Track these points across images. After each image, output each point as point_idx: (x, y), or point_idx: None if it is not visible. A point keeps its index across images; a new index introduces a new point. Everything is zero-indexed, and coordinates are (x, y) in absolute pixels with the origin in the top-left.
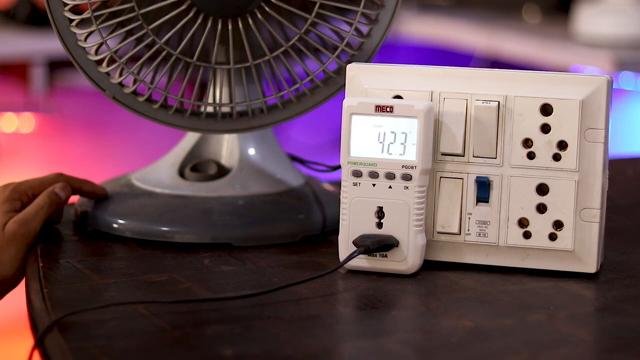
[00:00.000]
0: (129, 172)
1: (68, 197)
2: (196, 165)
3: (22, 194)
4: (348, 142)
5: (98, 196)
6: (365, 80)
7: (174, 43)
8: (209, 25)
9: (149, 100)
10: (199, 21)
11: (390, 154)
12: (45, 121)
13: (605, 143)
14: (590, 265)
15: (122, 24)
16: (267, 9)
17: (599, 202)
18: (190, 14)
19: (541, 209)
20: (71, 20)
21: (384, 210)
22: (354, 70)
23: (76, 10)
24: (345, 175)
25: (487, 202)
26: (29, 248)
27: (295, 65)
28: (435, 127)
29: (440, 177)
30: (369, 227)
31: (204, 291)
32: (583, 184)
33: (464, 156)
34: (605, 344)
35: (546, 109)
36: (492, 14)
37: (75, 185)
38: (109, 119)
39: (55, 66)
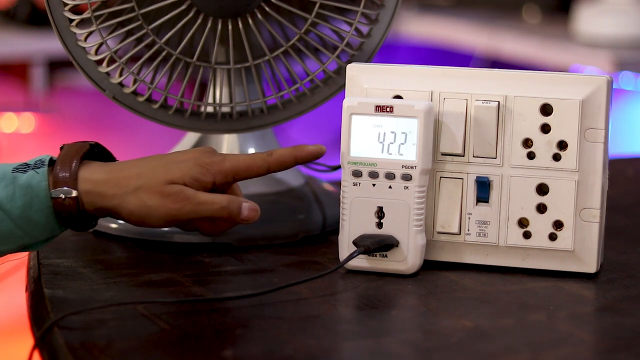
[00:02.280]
0: None
1: (247, 221)
2: None
3: (219, 174)
4: (348, 142)
5: (317, 156)
6: (365, 80)
7: (174, 43)
8: (209, 25)
9: (149, 100)
10: (199, 21)
11: (390, 154)
12: (45, 121)
13: (605, 143)
14: (590, 265)
15: (122, 24)
16: (267, 9)
17: (599, 202)
18: (190, 14)
19: (541, 209)
20: (71, 20)
21: (384, 210)
22: (354, 70)
23: (76, 10)
24: (345, 175)
25: (487, 202)
26: (174, 220)
27: (295, 65)
28: (435, 127)
29: (440, 177)
30: (369, 227)
31: (204, 291)
32: (583, 184)
33: (464, 156)
34: (605, 344)
35: (546, 109)
36: (492, 14)
37: (289, 163)
38: (109, 119)
39: (55, 66)
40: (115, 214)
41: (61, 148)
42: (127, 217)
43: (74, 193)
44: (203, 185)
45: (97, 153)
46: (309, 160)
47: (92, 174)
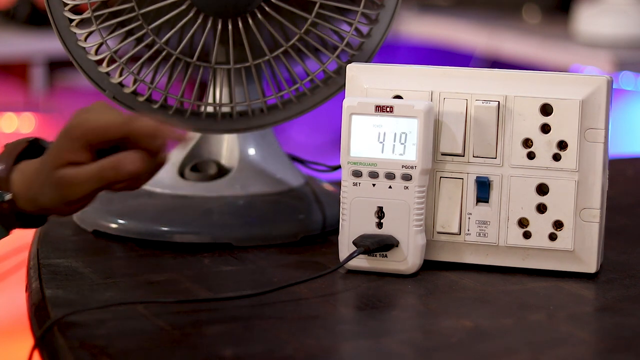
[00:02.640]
0: None
1: (136, 173)
2: (196, 165)
3: (83, 135)
4: (348, 142)
5: (178, 138)
6: (365, 80)
7: (174, 43)
8: (209, 25)
9: (149, 100)
10: (199, 21)
11: (390, 154)
12: (45, 121)
13: (605, 143)
14: (590, 265)
15: (122, 24)
16: (267, 9)
17: (599, 202)
18: (190, 14)
19: (541, 209)
20: (71, 20)
21: (384, 210)
22: (354, 70)
23: (76, 10)
24: (345, 175)
25: (487, 202)
26: (72, 205)
27: (295, 65)
28: (435, 127)
29: (440, 177)
30: (369, 227)
31: (204, 291)
32: (583, 184)
33: (464, 156)
34: (605, 344)
35: (546, 109)
36: (492, 14)
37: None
38: None
39: (55, 66)
40: (48, 213)
41: (5, 146)
42: (57, 213)
43: (8, 196)
44: (81, 151)
45: (39, 147)
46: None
47: (20, 176)
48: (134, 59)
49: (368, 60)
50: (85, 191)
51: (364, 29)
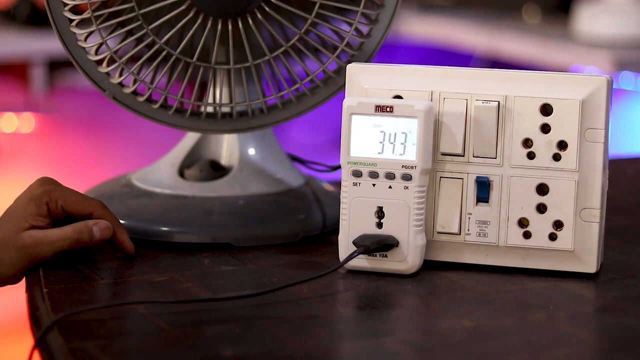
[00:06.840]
0: (129, 172)
1: (102, 240)
2: (196, 165)
3: (52, 201)
4: (348, 142)
5: (124, 249)
6: (365, 80)
7: (174, 43)
8: (209, 25)
9: (149, 100)
10: (199, 21)
11: (391, 154)
12: (45, 121)
13: (605, 143)
14: (590, 265)
15: (122, 24)
16: (267, 9)
17: (599, 202)
18: (190, 14)
19: (541, 209)
20: (71, 20)
21: (384, 210)
22: (354, 70)
23: (76, 10)
24: (345, 175)
25: (487, 202)
26: (32, 264)
27: (295, 65)
28: (435, 127)
29: (440, 177)
30: (369, 227)
31: (204, 291)
32: (583, 184)
33: (464, 156)
34: (605, 344)
35: (546, 109)
36: (492, 14)
37: (113, 224)
38: (109, 119)
39: (55, 66)
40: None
41: None
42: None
43: None
44: (48, 215)
45: None
46: (118, 245)
47: None
48: (134, 59)
49: (368, 60)
50: (55, 250)
51: (364, 29)
